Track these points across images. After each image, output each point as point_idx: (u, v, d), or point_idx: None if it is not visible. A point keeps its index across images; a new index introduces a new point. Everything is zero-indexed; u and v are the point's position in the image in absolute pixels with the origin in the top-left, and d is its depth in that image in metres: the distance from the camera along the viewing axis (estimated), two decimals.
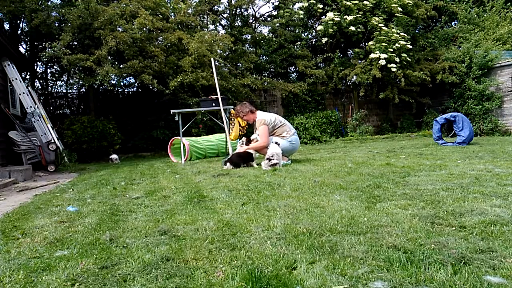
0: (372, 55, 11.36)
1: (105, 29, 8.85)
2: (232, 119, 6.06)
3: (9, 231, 2.40)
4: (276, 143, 5.01)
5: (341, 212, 2.31)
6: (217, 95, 6.69)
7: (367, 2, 11.80)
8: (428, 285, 1.32)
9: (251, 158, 5.28)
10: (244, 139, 5.55)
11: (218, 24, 13.51)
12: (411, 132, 12.53)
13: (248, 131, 6.44)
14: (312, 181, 3.52)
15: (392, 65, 11.15)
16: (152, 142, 11.11)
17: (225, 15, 13.64)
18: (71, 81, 11.95)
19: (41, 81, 12.03)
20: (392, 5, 11.73)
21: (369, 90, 12.48)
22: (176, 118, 6.70)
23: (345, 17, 11.69)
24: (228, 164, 5.30)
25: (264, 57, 13.17)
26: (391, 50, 11.20)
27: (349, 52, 13.68)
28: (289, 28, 13.18)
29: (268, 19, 14.17)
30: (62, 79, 12.43)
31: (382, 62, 11.08)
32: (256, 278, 1.40)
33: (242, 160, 5.25)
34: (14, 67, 7.82)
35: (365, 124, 12.57)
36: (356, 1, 11.76)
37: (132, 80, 12.08)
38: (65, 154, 8.23)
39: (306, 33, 13.78)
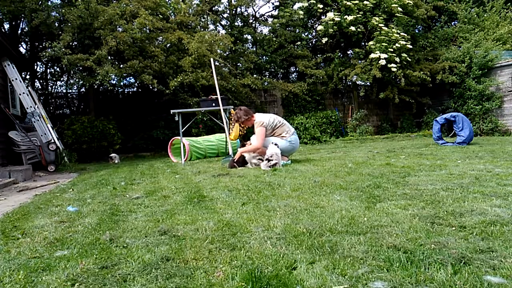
0: (372, 55, 11.36)
1: (105, 29, 8.85)
2: (232, 119, 6.06)
3: (9, 231, 2.40)
4: (275, 144, 5.01)
5: (341, 212, 2.31)
6: (217, 95, 6.69)
7: (367, 2, 11.81)
8: (428, 285, 1.32)
9: (245, 162, 5.30)
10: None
11: (218, 24, 13.51)
12: (411, 132, 12.53)
13: (248, 131, 6.44)
14: (312, 181, 3.52)
15: (392, 65, 11.15)
16: (152, 142, 11.12)
17: (225, 15, 13.65)
18: (71, 81, 11.96)
19: (41, 81, 12.03)
20: (392, 5, 11.74)
21: (369, 90, 12.48)
22: (176, 118, 6.70)
23: (345, 17, 11.69)
24: (227, 164, 5.43)
25: (264, 57, 13.16)
26: (391, 50, 11.20)
27: (349, 52, 13.68)
28: (289, 28, 13.18)
29: (269, 19, 14.18)
30: (62, 79, 12.44)
31: (382, 62, 11.08)
32: (256, 278, 1.40)
33: (239, 164, 5.28)
34: (14, 67, 7.82)
35: (365, 124, 12.58)
36: (356, 1, 11.77)
37: (132, 80, 12.09)
38: (65, 154, 8.23)
39: (306, 33, 13.78)
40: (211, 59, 7.10)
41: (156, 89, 10.21)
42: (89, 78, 9.31)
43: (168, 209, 2.77)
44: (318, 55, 13.44)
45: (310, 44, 13.93)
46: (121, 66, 9.43)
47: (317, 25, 13.36)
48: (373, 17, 11.77)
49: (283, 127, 5.39)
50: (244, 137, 5.80)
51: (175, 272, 1.54)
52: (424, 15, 12.70)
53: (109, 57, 9.63)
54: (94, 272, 1.59)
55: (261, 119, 5.32)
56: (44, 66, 12.01)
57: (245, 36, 13.20)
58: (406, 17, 11.99)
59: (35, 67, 11.71)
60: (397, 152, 6.50)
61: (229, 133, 6.38)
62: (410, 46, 11.55)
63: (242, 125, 5.72)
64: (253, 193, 3.13)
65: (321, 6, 12.41)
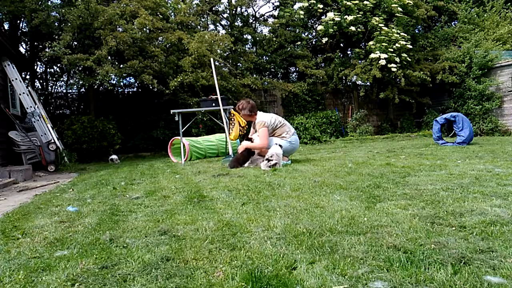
0: (372, 55, 11.36)
1: (105, 29, 8.85)
2: (232, 119, 6.05)
3: (9, 231, 2.40)
4: (278, 145, 5.01)
5: (341, 212, 2.31)
6: (217, 95, 6.69)
7: (367, 2, 11.81)
8: (428, 285, 1.32)
9: (247, 159, 5.28)
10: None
11: (218, 24, 13.52)
12: (411, 132, 12.53)
13: (248, 131, 6.43)
14: (312, 181, 3.52)
15: (392, 65, 11.15)
16: (152, 142, 11.12)
17: (225, 15, 13.65)
18: (71, 81, 11.96)
19: (41, 81, 12.03)
20: (392, 5, 11.74)
21: (369, 90, 12.49)
22: (176, 118, 6.70)
23: (345, 17, 11.69)
24: (227, 164, 5.41)
25: (264, 57, 13.17)
26: (391, 50, 11.20)
27: (349, 52, 13.69)
28: (289, 28, 13.18)
29: (269, 19, 14.18)
30: (62, 79, 12.43)
31: (382, 62, 11.08)
32: (256, 278, 1.40)
33: (239, 164, 5.24)
34: (14, 67, 7.82)
35: (365, 124, 12.58)
36: (356, 1, 11.77)
37: (132, 80, 12.09)
38: (65, 154, 8.23)
39: (306, 33, 13.79)
40: (211, 59, 7.10)
41: (156, 89, 10.21)
42: (89, 78, 9.31)
43: (168, 209, 2.77)
44: (318, 55, 13.44)
45: (310, 44, 13.93)
46: (121, 66, 9.44)
47: (317, 25, 13.37)
48: (373, 17, 11.78)
49: (284, 128, 5.38)
50: (244, 137, 5.79)
51: (175, 272, 1.54)
52: (424, 15, 12.70)
53: (109, 57, 9.63)
54: (94, 272, 1.59)
55: (263, 119, 5.30)
56: (44, 66, 12.01)
57: (245, 36, 13.20)
58: (406, 17, 11.99)
59: (35, 67, 11.71)
60: (397, 152, 6.50)
61: (229, 133, 6.38)
62: (410, 46, 11.56)
63: (239, 116, 5.70)
64: (253, 193, 3.12)
65: (321, 6, 12.41)
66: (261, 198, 2.91)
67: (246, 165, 5.25)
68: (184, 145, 7.16)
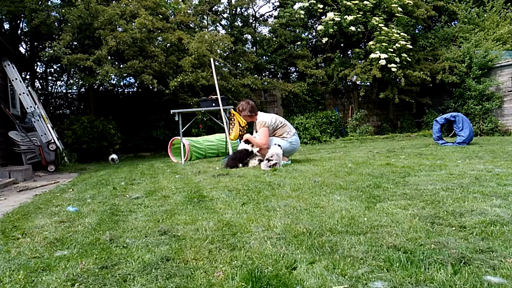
0: (372, 55, 11.36)
1: (105, 29, 8.85)
2: (232, 119, 6.05)
3: (9, 231, 2.40)
4: (278, 145, 5.02)
5: (341, 212, 2.31)
6: (217, 95, 6.69)
7: (367, 2, 11.81)
8: (428, 285, 1.32)
9: (248, 155, 5.24)
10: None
11: (218, 24, 13.52)
12: (411, 132, 12.54)
13: (248, 131, 6.43)
14: (312, 181, 3.52)
15: (392, 65, 11.15)
16: (152, 142, 11.12)
17: (225, 15, 13.65)
18: (71, 81, 11.95)
19: (41, 81, 12.03)
20: (392, 5, 11.74)
21: (369, 90, 12.49)
22: (176, 118, 6.70)
23: (345, 17, 11.69)
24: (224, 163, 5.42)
25: (264, 57, 13.18)
26: (391, 50, 11.20)
27: (349, 52, 13.69)
28: (289, 28, 13.19)
29: (269, 19, 14.19)
30: (62, 79, 12.44)
31: (382, 62, 11.08)
32: (256, 278, 1.40)
33: (238, 162, 5.21)
34: (14, 67, 7.82)
35: (365, 124, 12.58)
36: (356, 1, 11.77)
37: (132, 80, 12.09)
38: (65, 154, 8.23)
39: (306, 33, 13.79)
40: (211, 59, 7.10)
41: (156, 89, 10.21)
42: (89, 78, 9.31)
43: (168, 209, 2.77)
44: (318, 55, 13.45)
45: (310, 44, 13.94)
46: (121, 66, 9.44)
47: (317, 25, 13.37)
48: (373, 17, 11.78)
49: (284, 128, 5.39)
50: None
51: (175, 272, 1.54)
52: (424, 15, 12.70)
53: (109, 57, 9.63)
54: (94, 272, 1.59)
55: (263, 119, 5.31)
56: (44, 66, 12.01)
57: (245, 36, 13.21)
58: (406, 17, 11.99)
59: (35, 67, 11.71)
60: (397, 152, 6.50)
61: (229, 133, 6.37)
62: (410, 46, 11.56)
63: (240, 117, 5.70)
64: (253, 193, 3.12)
65: (321, 6, 12.41)
66: (261, 198, 2.91)
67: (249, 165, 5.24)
68: (184, 145, 7.16)
